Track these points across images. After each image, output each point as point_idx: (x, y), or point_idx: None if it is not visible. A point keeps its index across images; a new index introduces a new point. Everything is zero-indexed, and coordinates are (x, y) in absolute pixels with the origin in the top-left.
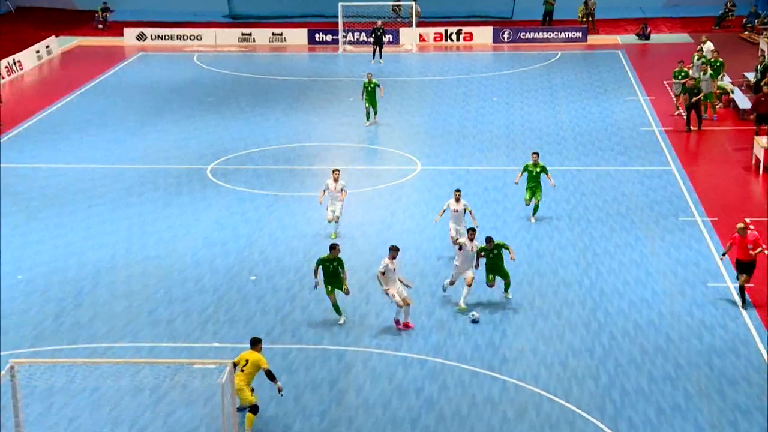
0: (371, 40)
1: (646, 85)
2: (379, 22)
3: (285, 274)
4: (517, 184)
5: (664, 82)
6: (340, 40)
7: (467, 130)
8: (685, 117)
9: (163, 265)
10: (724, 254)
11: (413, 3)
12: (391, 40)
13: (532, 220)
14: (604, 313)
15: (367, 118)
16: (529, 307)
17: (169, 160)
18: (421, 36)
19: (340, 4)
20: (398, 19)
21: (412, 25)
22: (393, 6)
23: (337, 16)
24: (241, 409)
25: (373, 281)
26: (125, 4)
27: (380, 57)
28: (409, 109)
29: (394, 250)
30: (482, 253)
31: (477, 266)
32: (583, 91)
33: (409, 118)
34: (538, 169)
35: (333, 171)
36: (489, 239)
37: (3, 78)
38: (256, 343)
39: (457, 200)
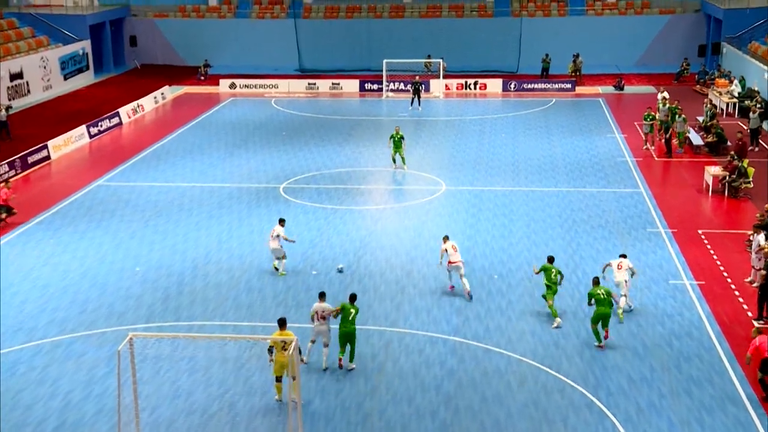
0: (410, 89)
1: (621, 125)
2: (418, 77)
3: (338, 274)
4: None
5: (635, 123)
6: (384, 88)
7: (482, 159)
8: (653, 149)
9: (246, 262)
10: (749, 361)
11: (441, 60)
12: (424, 89)
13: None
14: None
15: (393, 161)
16: (530, 299)
17: (251, 180)
18: (446, 86)
19: (384, 61)
20: (429, 73)
21: (440, 77)
22: (425, 63)
23: (382, 70)
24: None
25: (408, 277)
26: (221, 60)
27: (419, 104)
28: (436, 141)
29: None
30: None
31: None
32: (572, 130)
33: (437, 148)
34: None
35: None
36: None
37: (130, 117)
38: (283, 324)
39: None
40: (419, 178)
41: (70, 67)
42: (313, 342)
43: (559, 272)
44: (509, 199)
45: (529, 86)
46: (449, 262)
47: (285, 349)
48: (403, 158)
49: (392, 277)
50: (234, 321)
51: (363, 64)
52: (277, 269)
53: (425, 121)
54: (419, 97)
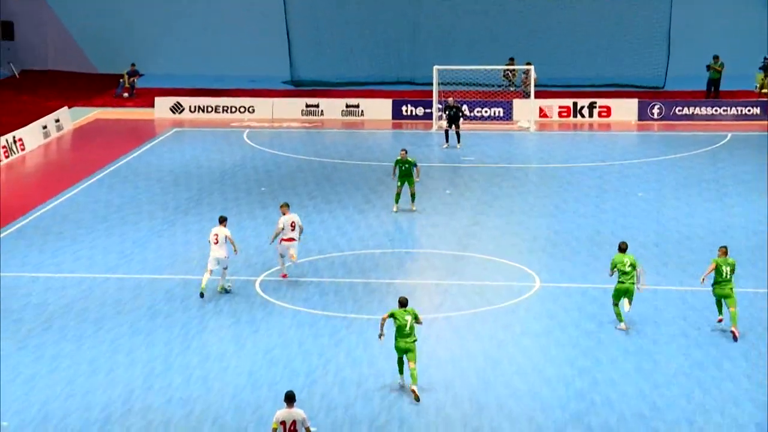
0: (443, 115)
1: None
2: (451, 100)
3: (356, 426)
4: (702, 282)
5: None
6: (435, 113)
7: (603, 236)
8: None
9: (194, 411)
10: None
11: (530, 67)
12: (501, 115)
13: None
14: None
15: (396, 201)
16: None
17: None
18: (541, 110)
19: (435, 67)
20: (511, 88)
21: (529, 96)
22: (504, 71)
23: (431, 83)
24: None
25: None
26: (158, 67)
27: (458, 141)
28: (523, 206)
29: None
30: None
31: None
32: (764, 188)
33: (525, 218)
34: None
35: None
36: None
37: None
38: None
39: None
40: (494, 267)
41: None
42: None
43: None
44: (652, 307)
45: (686, 111)
46: None
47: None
48: (413, 195)
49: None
50: None
51: (398, 74)
52: (226, 290)
53: (505, 171)
54: (457, 128)
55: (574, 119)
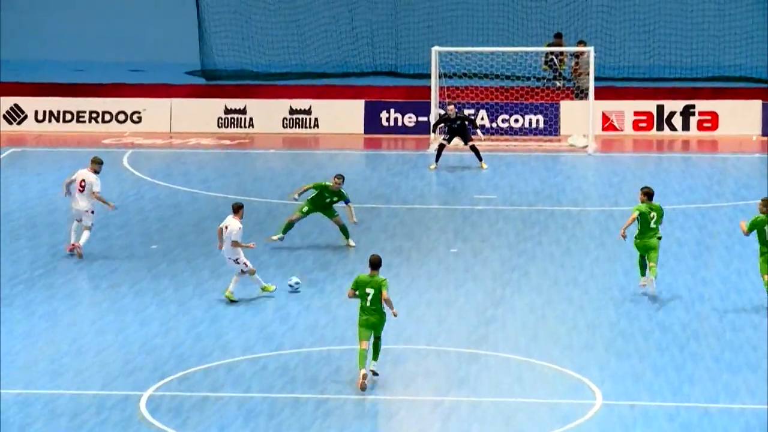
0: (440, 132)
1: None
2: (451, 108)
3: None
4: None
5: None
6: (432, 120)
7: (704, 323)
8: None
9: None
10: None
11: (588, 49)
12: (541, 126)
13: None
14: None
15: (284, 231)
16: None
17: (57, 380)
18: (605, 117)
19: (434, 49)
20: (557, 83)
21: (585, 95)
22: (547, 55)
23: (427, 75)
24: None
25: None
26: None
27: (479, 159)
28: (577, 277)
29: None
30: None
31: None
32: None
33: (576, 293)
34: None
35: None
36: None
37: None
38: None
39: None
40: (527, 373)
41: None
42: None
43: None
44: None
45: None
46: None
47: None
48: (343, 227)
49: None
50: None
51: (373, 60)
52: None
53: (546, 216)
54: (466, 141)
55: (660, 133)
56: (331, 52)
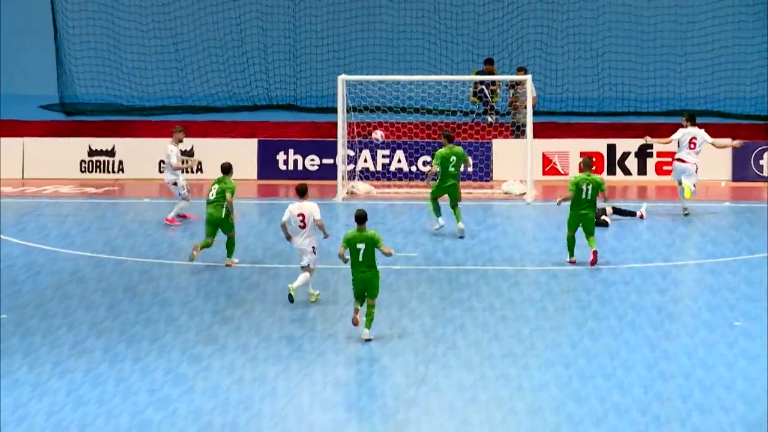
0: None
1: None
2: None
3: None
4: None
5: None
6: (340, 166)
7: (667, 404)
8: None
9: None
10: None
11: (525, 77)
12: (469, 169)
13: None
14: None
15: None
16: None
17: None
18: (546, 158)
19: (340, 78)
20: (488, 117)
21: (522, 133)
22: (476, 88)
23: (333, 109)
24: None
25: None
26: None
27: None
28: (515, 350)
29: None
30: None
31: None
32: None
33: (518, 371)
34: None
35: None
36: None
37: None
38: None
39: None
40: None
41: None
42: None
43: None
44: None
45: None
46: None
47: None
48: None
49: None
50: None
51: (268, 91)
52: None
53: (476, 279)
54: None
55: (611, 177)
56: (217, 81)
